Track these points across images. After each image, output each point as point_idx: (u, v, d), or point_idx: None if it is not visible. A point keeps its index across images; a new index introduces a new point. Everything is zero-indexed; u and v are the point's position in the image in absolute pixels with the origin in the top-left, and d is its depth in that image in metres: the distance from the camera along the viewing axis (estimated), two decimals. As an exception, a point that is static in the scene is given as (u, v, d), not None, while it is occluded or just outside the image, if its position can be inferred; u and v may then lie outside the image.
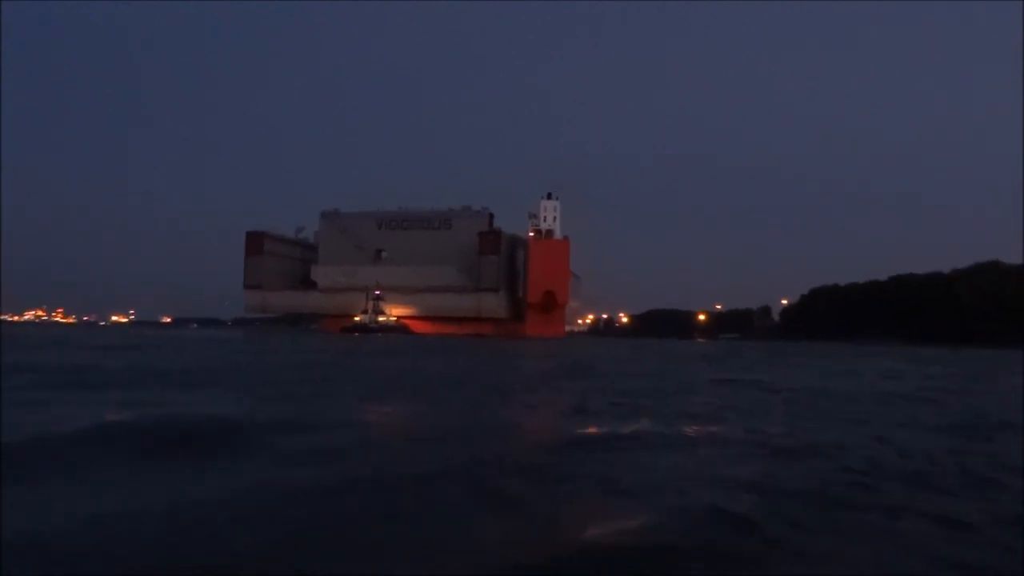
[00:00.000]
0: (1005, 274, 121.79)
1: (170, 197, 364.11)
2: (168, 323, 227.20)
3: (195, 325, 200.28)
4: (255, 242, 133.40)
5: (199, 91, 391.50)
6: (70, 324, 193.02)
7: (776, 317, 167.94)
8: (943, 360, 43.08)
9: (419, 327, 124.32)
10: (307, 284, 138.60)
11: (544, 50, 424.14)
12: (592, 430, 8.97)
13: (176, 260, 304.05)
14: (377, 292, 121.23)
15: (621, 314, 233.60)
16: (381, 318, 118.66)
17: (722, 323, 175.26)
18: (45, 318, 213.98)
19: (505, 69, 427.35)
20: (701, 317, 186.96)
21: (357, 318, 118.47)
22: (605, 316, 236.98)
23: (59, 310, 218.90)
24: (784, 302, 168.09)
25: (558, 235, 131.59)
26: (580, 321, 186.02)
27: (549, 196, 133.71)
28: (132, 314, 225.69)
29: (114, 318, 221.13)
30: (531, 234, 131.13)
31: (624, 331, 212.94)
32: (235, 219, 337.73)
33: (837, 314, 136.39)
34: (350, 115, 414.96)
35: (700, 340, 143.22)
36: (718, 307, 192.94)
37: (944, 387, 19.38)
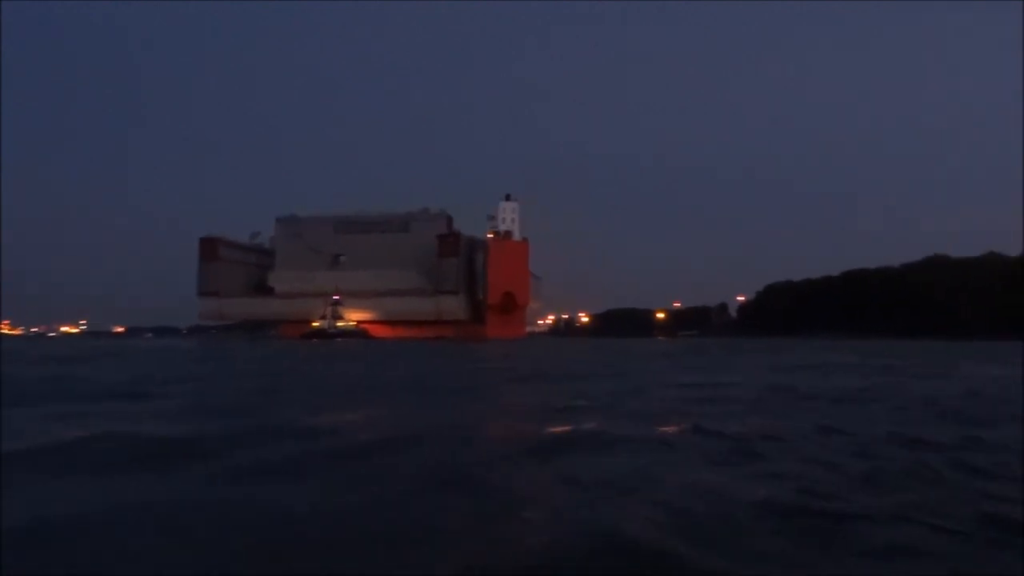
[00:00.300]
0: (953, 267, 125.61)
1: (120, 204, 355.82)
2: (121, 333, 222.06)
3: (150, 335, 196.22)
4: (209, 248, 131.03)
5: (142, 97, 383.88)
6: (16, 336, 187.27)
7: (733, 314, 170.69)
8: (885, 353, 44.11)
9: (379, 331, 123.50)
10: (264, 290, 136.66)
11: (504, 52, 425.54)
12: (538, 433, 8.93)
13: (128, 268, 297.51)
14: (336, 297, 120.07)
15: (581, 314, 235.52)
16: (340, 323, 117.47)
17: (681, 321, 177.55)
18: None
19: (462, 72, 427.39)
20: (660, 315, 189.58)
21: (316, 324, 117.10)
22: (565, 316, 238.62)
23: (5, 322, 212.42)
24: (741, 299, 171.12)
25: (517, 236, 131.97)
26: (541, 322, 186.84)
27: (508, 198, 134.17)
28: (83, 324, 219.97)
29: (64, 329, 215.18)
30: (490, 236, 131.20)
31: (584, 331, 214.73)
32: (187, 226, 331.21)
33: (791, 309, 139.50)
34: (304, 119, 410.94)
35: (660, 338, 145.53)
36: (677, 305, 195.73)
37: (886, 382, 19.83)
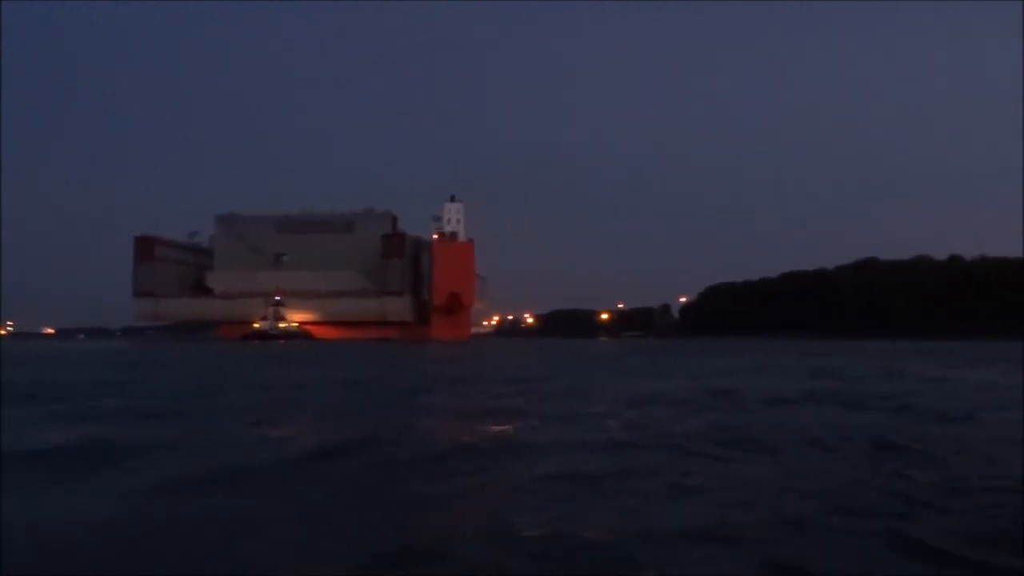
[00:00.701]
0: (881, 270, 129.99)
1: (52, 200, 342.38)
2: (51, 334, 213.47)
3: (83, 336, 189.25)
4: (145, 248, 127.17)
5: (66, 89, 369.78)
6: None
7: (676, 314, 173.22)
8: (805, 352, 45.49)
9: (322, 332, 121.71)
10: (201, 291, 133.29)
11: (454, 51, 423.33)
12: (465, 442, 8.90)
13: (58, 268, 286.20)
14: (277, 297, 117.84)
15: (527, 315, 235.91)
16: (282, 324, 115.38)
17: (625, 322, 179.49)
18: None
19: (407, 69, 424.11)
20: (604, 316, 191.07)
21: (257, 325, 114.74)
22: (511, 317, 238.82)
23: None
24: (683, 300, 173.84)
25: (462, 237, 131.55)
26: (486, 323, 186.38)
27: (453, 199, 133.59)
28: (10, 325, 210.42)
29: None
30: (435, 237, 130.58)
31: (530, 332, 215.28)
32: (123, 223, 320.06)
33: (731, 310, 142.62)
34: (245, 114, 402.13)
35: (604, 339, 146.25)
36: (621, 306, 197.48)
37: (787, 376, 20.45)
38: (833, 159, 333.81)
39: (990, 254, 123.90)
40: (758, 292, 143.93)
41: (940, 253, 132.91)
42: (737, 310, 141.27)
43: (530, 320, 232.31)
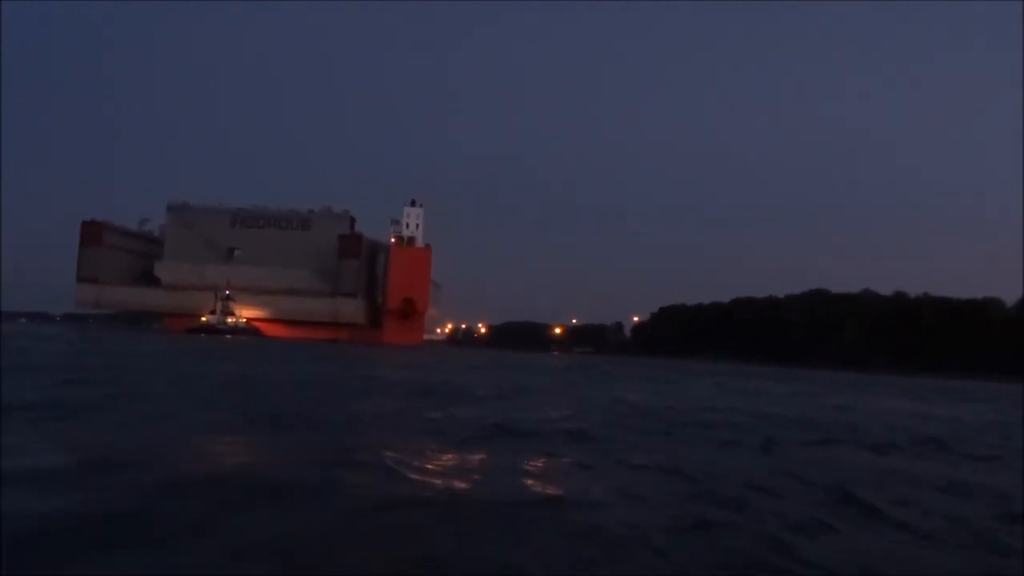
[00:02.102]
0: (828, 301, 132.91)
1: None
2: None
3: (23, 319, 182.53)
4: (92, 233, 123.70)
5: (19, 69, 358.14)
6: None
7: (628, 333, 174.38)
8: (747, 374, 46.36)
9: (272, 330, 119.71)
10: (149, 280, 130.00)
11: (418, 54, 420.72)
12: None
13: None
14: (227, 292, 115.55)
15: (480, 324, 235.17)
16: (230, 319, 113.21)
17: (577, 337, 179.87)
18: None
19: (373, 70, 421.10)
20: (557, 331, 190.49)
21: (204, 318, 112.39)
22: (464, 326, 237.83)
23: None
24: (635, 319, 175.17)
25: (420, 243, 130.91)
26: (439, 330, 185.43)
27: (413, 203, 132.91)
28: None
29: None
30: (393, 240, 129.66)
31: (481, 341, 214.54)
32: (70, 207, 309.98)
33: (682, 332, 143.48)
34: (203, 103, 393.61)
35: (555, 353, 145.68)
36: (574, 321, 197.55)
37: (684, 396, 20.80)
38: (794, 187, 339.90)
39: (934, 293, 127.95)
40: (709, 316, 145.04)
41: (885, 288, 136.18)
42: (688, 332, 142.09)
43: (483, 330, 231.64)
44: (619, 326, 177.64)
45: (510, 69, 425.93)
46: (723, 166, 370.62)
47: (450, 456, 8.77)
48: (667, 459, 9.33)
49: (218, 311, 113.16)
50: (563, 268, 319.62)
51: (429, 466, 7.96)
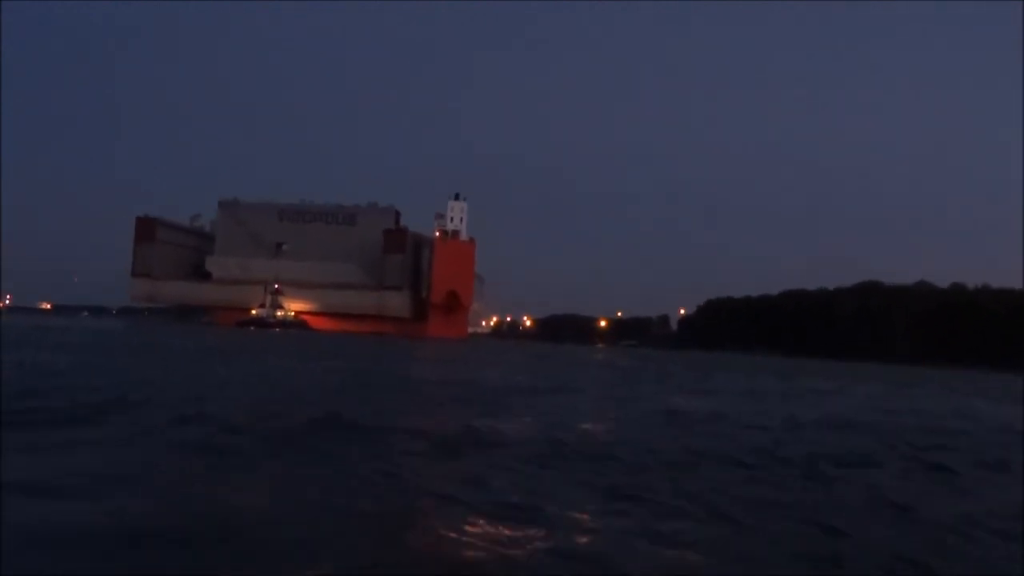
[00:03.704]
0: (881, 293, 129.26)
1: (53, 176, 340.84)
2: (48, 309, 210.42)
3: (86, 313, 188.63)
4: (146, 229, 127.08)
5: (78, 70, 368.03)
6: None
7: (673, 326, 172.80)
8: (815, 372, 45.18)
9: (318, 323, 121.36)
10: (200, 275, 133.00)
11: (465, 53, 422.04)
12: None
13: (57, 242, 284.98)
14: (276, 286, 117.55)
15: (525, 317, 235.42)
16: (280, 313, 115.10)
17: (622, 330, 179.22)
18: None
19: (420, 67, 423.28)
20: (602, 324, 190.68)
21: (254, 311, 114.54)
22: (509, 319, 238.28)
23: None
24: (681, 312, 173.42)
25: (464, 236, 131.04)
26: (484, 323, 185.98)
27: (457, 197, 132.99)
28: (8, 299, 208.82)
29: None
30: (437, 234, 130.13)
31: (527, 335, 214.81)
32: (124, 202, 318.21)
33: (730, 325, 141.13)
34: (255, 98, 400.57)
35: (600, 346, 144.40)
36: (619, 314, 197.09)
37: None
38: (841, 181, 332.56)
39: (993, 284, 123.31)
40: (757, 309, 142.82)
41: (942, 280, 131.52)
42: (735, 325, 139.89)
43: (528, 323, 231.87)
44: (665, 319, 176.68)
45: (558, 65, 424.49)
46: (770, 161, 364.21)
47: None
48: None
49: (267, 304, 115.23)
50: (611, 263, 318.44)
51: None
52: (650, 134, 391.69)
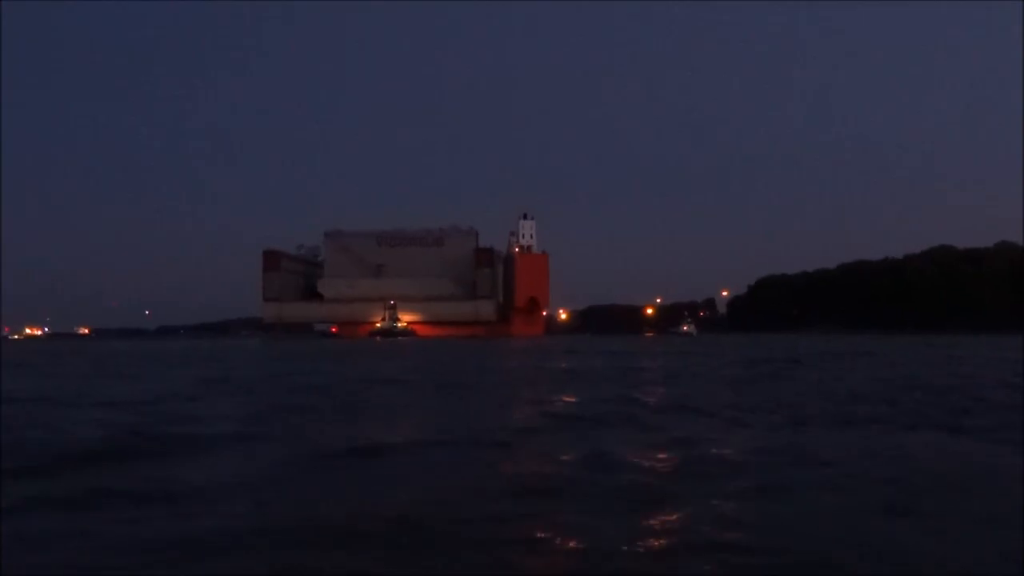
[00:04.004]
0: (955, 258, 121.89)
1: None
2: (87, 334, 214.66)
3: (182, 331, 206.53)
4: (272, 260, 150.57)
5: (146, 91, 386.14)
6: None
7: (721, 309, 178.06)
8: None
9: (423, 331, 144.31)
10: (312, 296, 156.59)
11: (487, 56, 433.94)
12: None
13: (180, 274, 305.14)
14: (392, 302, 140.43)
15: (560, 311, 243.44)
16: (399, 324, 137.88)
17: (668, 317, 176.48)
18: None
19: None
20: (649, 311, 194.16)
21: (378, 324, 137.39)
22: (544, 313, 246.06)
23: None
24: (724, 293, 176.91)
25: (536, 249, 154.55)
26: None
27: (525, 216, 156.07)
28: (47, 324, 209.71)
29: (27, 331, 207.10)
30: (516, 250, 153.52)
31: (564, 328, 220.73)
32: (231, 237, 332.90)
33: (786, 304, 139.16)
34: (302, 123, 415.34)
35: (649, 335, 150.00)
36: (659, 300, 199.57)
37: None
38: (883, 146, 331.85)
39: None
40: (815, 283, 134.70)
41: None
42: (791, 303, 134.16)
43: (564, 316, 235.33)
44: (710, 302, 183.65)
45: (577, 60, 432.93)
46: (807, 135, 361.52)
47: None
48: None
49: (387, 318, 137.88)
50: (642, 248, 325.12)
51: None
52: (669, 113, 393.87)
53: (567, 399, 16.63)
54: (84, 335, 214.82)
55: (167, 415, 13.36)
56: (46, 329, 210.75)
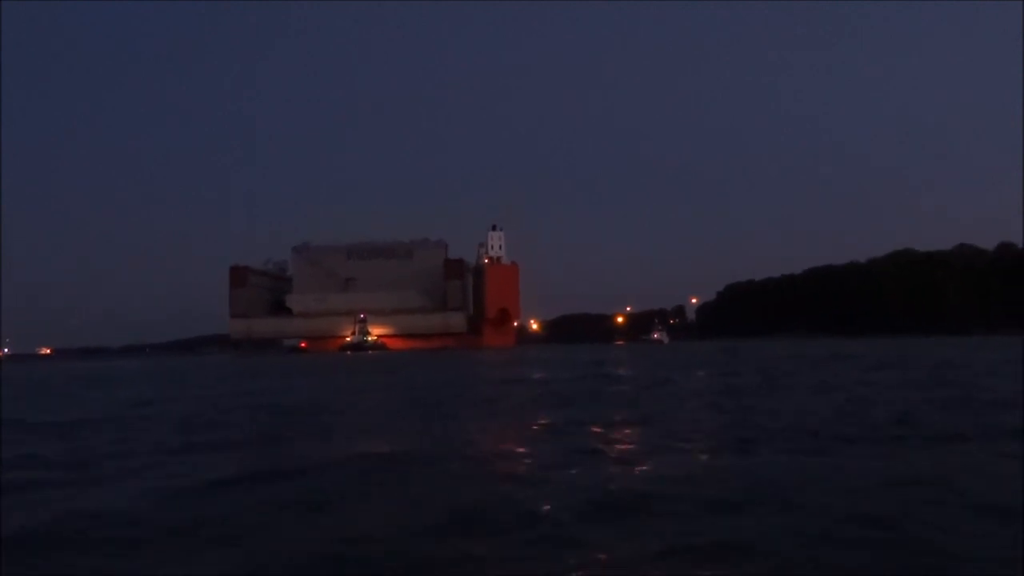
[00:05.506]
0: (917, 261, 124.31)
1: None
2: (48, 355, 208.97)
3: (147, 350, 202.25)
4: (239, 276, 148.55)
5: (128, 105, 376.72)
6: None
7: (691, 316, 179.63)
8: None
9: (393, 343, 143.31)
10: (280, 310, 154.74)
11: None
12: None
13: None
14: (362, 315, 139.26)
15: (531, 321, 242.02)
16: (369, 338, 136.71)
17: (638, 325, 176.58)
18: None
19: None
20: (620, 320, 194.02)
21: (348, 338, 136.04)
22: (516, 324, 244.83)
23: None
24: (693, 301, 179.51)
25: (506, 260, 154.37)
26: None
27: (494, 227, 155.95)
28: (6, 345, 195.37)
29: None
30: (486, 261, 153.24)
31: (537, 338, 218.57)
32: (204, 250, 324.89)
33: (754, 310, 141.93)
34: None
35: (620, 343, 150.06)
36: (628, 309, 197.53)
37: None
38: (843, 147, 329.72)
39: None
40: (783, 290, 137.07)
41: (985, 242, 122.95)
42: (759, 310, 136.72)
43: (535, 326, 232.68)
44: (680, 309, 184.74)
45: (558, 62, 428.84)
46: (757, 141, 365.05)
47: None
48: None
49: (357, 332, 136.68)
50: (609, 256, 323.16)
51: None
52: (638, 118, 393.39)
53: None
54: (45, 355, 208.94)
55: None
56: (6, 351, 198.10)
